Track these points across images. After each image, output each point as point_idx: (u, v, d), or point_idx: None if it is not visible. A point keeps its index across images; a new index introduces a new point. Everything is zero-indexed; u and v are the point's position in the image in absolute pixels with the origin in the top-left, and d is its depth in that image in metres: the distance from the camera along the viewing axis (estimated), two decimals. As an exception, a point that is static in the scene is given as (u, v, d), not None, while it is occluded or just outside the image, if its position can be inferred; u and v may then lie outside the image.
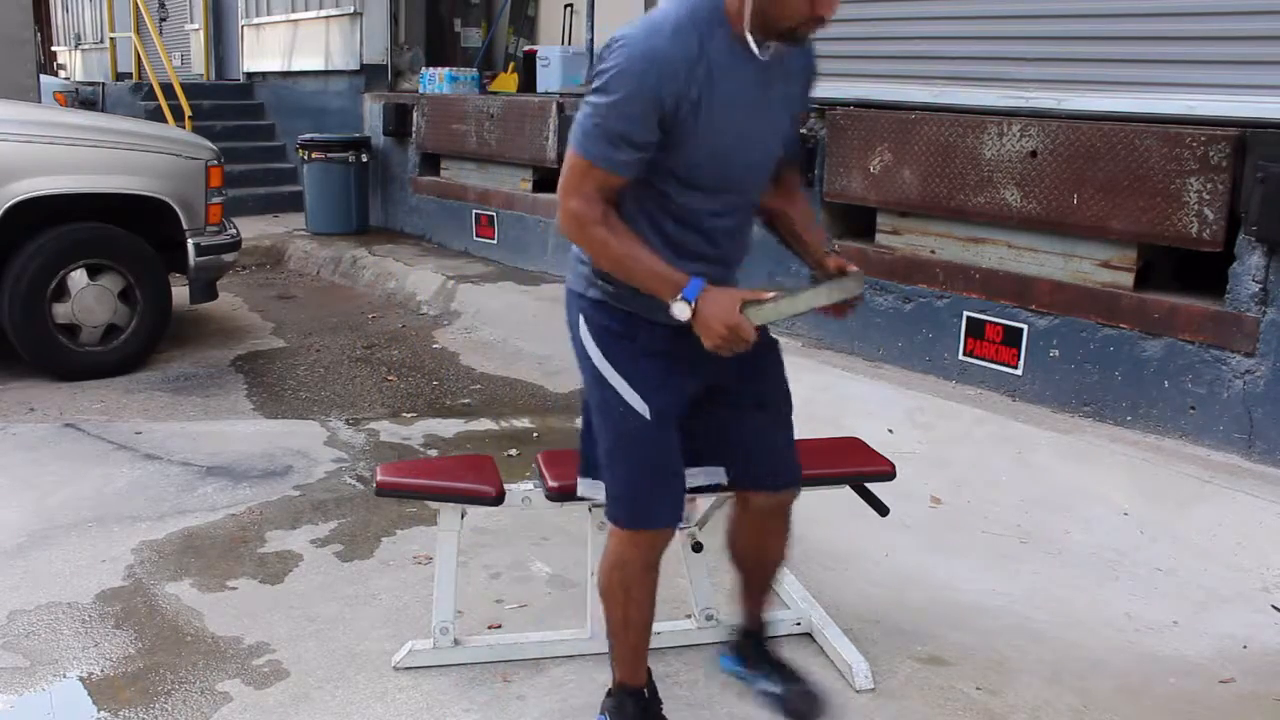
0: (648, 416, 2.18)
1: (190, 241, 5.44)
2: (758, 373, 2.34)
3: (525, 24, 10.54)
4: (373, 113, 9.01)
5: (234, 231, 5.79)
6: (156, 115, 9.40)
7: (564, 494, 2.67)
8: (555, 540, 3.47)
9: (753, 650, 2.67)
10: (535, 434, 4.62)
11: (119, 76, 12.45)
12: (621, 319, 2.19)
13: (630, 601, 2.31)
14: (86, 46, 15.19)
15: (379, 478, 2.69)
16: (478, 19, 10.67)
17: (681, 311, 2.00)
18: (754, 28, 1.95)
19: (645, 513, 2.24)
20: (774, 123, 2.11)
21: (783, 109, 2.13)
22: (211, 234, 5.56)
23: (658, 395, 2.17)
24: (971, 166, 4.47)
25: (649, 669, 2.46)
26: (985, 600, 3.18)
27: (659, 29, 1.94)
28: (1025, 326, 4.34)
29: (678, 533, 2.85)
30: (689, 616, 2.92)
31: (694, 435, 2.31)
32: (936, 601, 3.16)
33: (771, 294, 2.05)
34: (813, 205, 5.19)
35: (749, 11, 1.93)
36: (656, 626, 2.85)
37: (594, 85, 1.98)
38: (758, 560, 2.57)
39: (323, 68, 9.97)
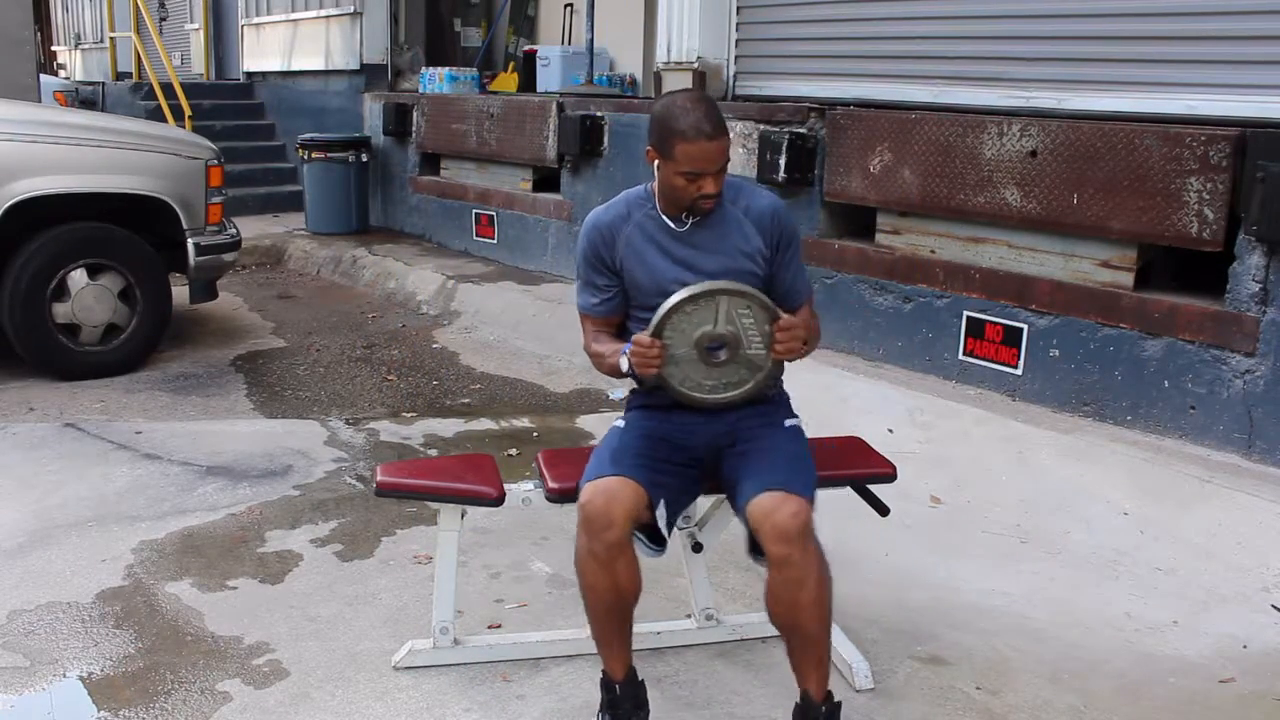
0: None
1: (190, 241, 5.44)
2: (750, 440, 2.55)
3: (525, 24, 10.55)
4: (373, 112, 9.01)
5: (234, 231, 5.79)
6: (156, 115, 9.40)
7: (564, 494, 2.67)
8: (555, 540, 3.47)
9: None
10: (535, 434, 4.62)
11: (119, 76, 12.45)
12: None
13: (586, 588, 2.40)
14: (86, 46, 15.19)
15: (379, 478, 2.69)
16: (478, 19, 10.68)
17: (624, 363, 2.48)
18: (664, 207, 2.56)
19: (588, 476, 2.41)
20: (705, 265, 2.53)
21: (730, 256, 2.55)
22: (211, 234, 5.56)
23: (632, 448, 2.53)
24: (971, 166, 4.47)
25: (625, 664, 2.45)
26: (985, 600, 3.18)
27: (605, 208, 2.63)
28: (1025, 326, 4.34)
29: (677, 532, 2.86)
30: (689, 616, 2.92)
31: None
32: (936, 601, 3.16)
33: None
34: (813, 205, 5.20)
35: (657, 197, 2.57)
36: (656, 627, 2.87)
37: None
38: (788, 617, 2.34)
39: (323, 67, 9.97)
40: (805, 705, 2.38)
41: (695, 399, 2.49)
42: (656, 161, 2.49)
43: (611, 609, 2.40)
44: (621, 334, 2.67)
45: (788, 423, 2.61)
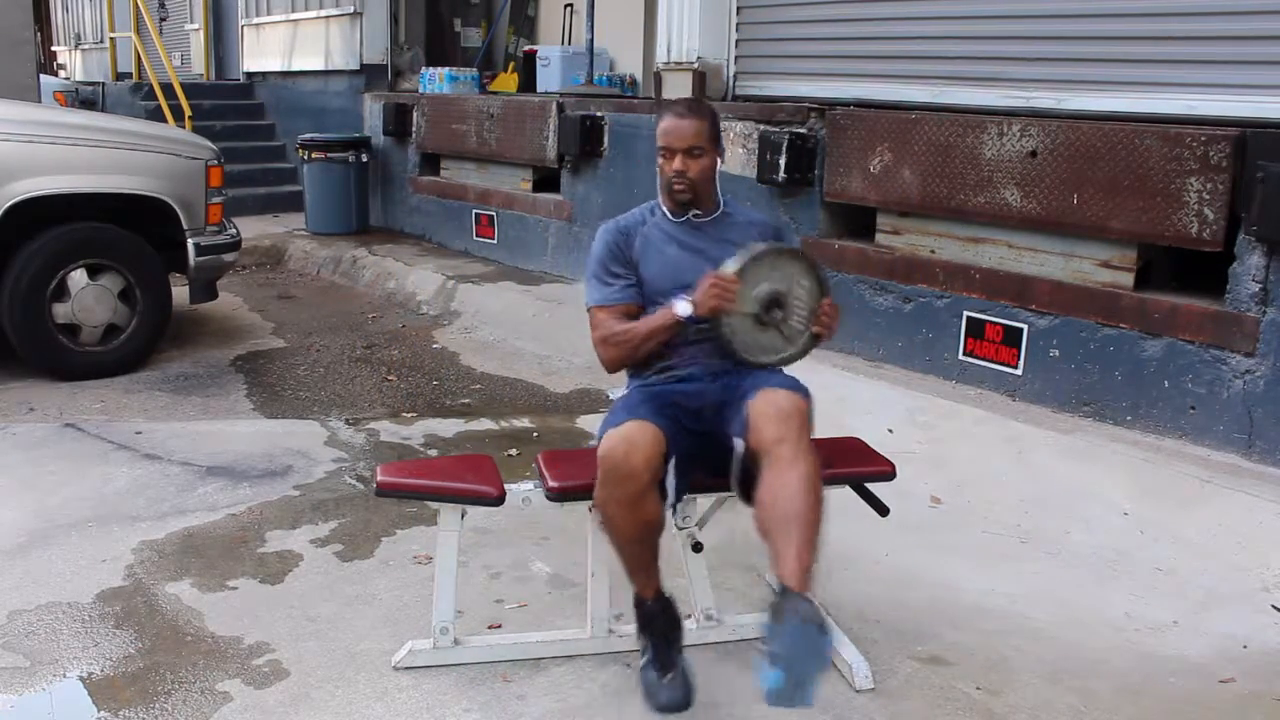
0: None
1: (190, 241, 5.44)
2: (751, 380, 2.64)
3: (525, 24, 10.55)
4: (373, 113, 9.01)
5: (234, 231, 5.79)
6: (156, 115, 9.40)
7: (564, 494, 2.67)
8: (555, 540, 3.47)
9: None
10: (535, 434, 4.62)
11: (119, 76, 12.45)
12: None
13: (611, 530, 2.49)
14: (86, 46, 15.19)
15: (379, 478, 2.69)
16: (478, 19, 10.68)
17: (684, 308, 2.58)
18: (664, 202, 2.81)
19: (606, 426, 2.50)
20: (713, 260, 2.68)
21: (728, 253, 2.68)
22: (211, 234, 5.56)
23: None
24: (971, 166, 4.47)
25: (656, 587, 2.58)
26: (985, 600, 3.18)
27: (621, 216, 2.86)
28: (1025, 326, 4.34)
29: (678, 532, 2.86)
30: (689, 616, 2.91)
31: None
32: (936, 601, 3.16)
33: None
34: (813, 205, 5.20)
35: (661, 196, 2.83)
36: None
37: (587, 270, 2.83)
38: (776, 499, 2.31)
39: (323, 68, 9.97)
40: (783, 591, 2.21)
41: (732, 347, 2.60)
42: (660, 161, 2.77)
43: (640, 540, 2.49)
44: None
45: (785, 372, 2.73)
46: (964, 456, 4.03)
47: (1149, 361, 3.97)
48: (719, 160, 2.79)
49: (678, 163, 2.70)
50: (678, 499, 2.55)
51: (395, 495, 2.74)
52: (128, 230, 5.28)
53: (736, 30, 5.95)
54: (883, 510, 2.89)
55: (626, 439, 2.41)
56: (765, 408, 2.43)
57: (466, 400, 5.10)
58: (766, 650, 2.12)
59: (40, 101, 8.02)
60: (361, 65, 9.48)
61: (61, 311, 5.09)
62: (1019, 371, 4.37)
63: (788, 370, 2.73)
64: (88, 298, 5.14)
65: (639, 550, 2.53)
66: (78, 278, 5.12)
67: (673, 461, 2.48)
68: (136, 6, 10.99)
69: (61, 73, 16.10)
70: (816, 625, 2.13)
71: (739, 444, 2.49)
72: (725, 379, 2.65)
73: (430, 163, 8.48)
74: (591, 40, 7.96)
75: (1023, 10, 4.57)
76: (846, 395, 4.48)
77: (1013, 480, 3.85)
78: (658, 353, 2.70)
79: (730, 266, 2.57)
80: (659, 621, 2.59)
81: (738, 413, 2.52)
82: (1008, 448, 4.00)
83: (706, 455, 2.59)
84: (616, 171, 6.47)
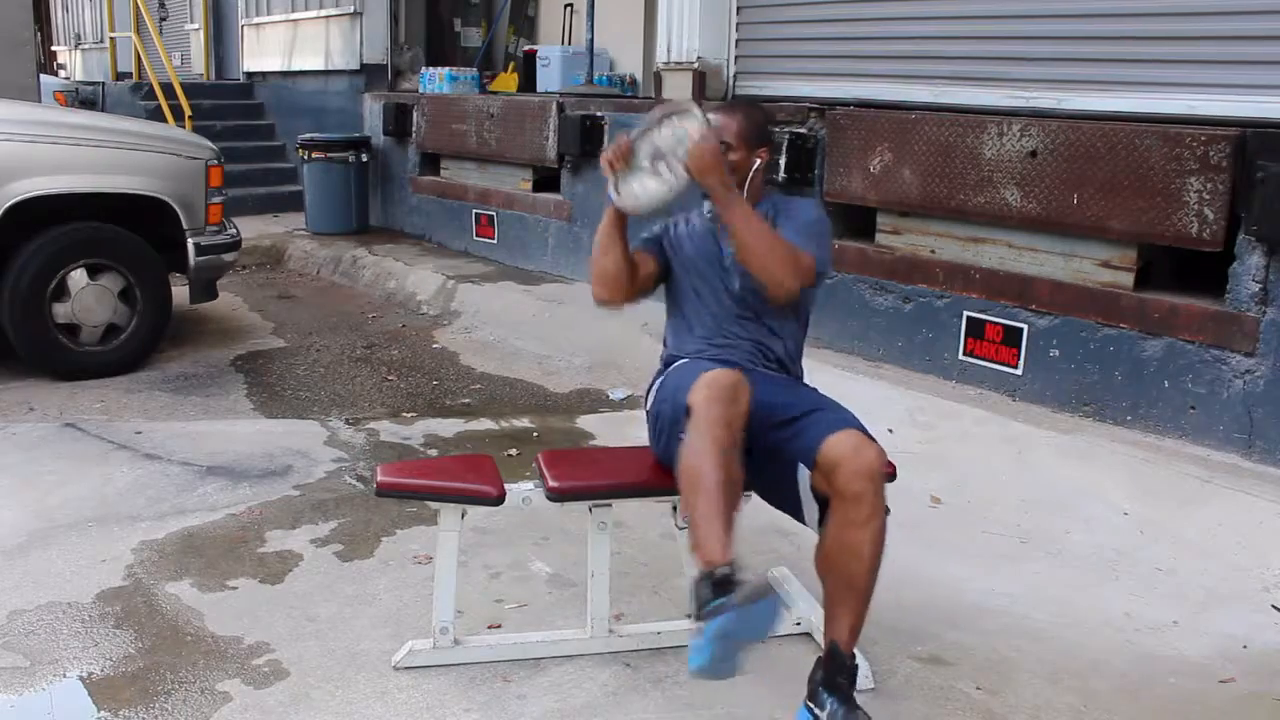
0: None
1: (190, 241, 5.44)
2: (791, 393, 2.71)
3: (525, 24, 10.55)
4: (373, 112, 9.01)
5: (234, 231, 5.79)
6: (156, 115, 9.40)
7: (564, 494, 2.67)
8: (555, 540, 3.47)
9: (821, 680, 2.43)
10: (535, 434, 4.62)
11: (119, 76, 12.45)
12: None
13: (701, 474, 2.31)
14: (86, 46, 15.19)
15: (379, 478, 2.69)
16: (478, 19, 10.67)
17: (609, 197, 2.75)
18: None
19: (689, 378, 2.49)
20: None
21: None
22: (211, 234, 5.56)
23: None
24: (971, 166, 4.47)
25: (724, 548, 2.25)
26: (985, 600, 3.18)
27: None
28: (1025, 326, 4.34)
29: (678, 532, 2.86)
30: (689, 616, 2.91)
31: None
32: (936, 601, 3.16)
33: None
34: (813, 205, 5.20)
35: None
36: (656, 627, 2.87)
37: None
38: (841, 559, 2.37)
39: (323, 67, 9.97)
40: (833, 656, 2.38)
41: (625, 192, 2.74)
42: None
43: (732, 479, 2.33)
44: (634, 273, 2.81)
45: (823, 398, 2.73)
46: (964, 456, 4.03)
47: (1149, 361, 3.97)
48: (758, 161, 2.77)
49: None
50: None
51: (395, 495, 2.75)
52: (128, 230, 5.27)
53: (736, 30, 5.95)
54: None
55: (716, 378, 2.39)
56: (850, 454, 2.37)
57: (466, 400, 5.10)
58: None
59: (40, 101, 8.02)
60: (361, 65, 9.48)
61: (61, 311, 5.09)
62: (1019, 371, 4.37)
63: (774, 320, 2.78)
64: (88, 297, 5.14)
65: (725, 501, 2.30)
66: (78, 277, 5.12)
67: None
68: (136, 6, 10.99)
69: (61, 73, 16.10)
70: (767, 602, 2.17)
71: (805, 473, 2.47)
72: (769, 373, 2.70)
73: (430, 162, 8.48)
74: (591, 40, 7.96)
75: (1023, 10, 4.57)
76: (846, 395, 4.45)
77: (1013, 480, 3.85)
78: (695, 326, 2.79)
79: (632, 133, 2.76)
80: (739, 582, 2.26)
81: (804, 435, 2.48)
82: (1008, 448, 4.00)
83: (752, 453, 2.50)
84: (616, 171, 6.46)
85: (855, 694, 2.60)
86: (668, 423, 2.62)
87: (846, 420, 2.52)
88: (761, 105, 3.21)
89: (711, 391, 2.37)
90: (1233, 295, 3.73)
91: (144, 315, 5.32)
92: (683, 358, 2.79)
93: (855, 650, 2.44)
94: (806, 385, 2.83)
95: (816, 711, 2.39)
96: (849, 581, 2.38)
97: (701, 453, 2.32)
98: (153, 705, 2.57)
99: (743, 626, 2.10)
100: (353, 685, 2.66)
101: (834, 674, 2.40)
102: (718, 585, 2.17)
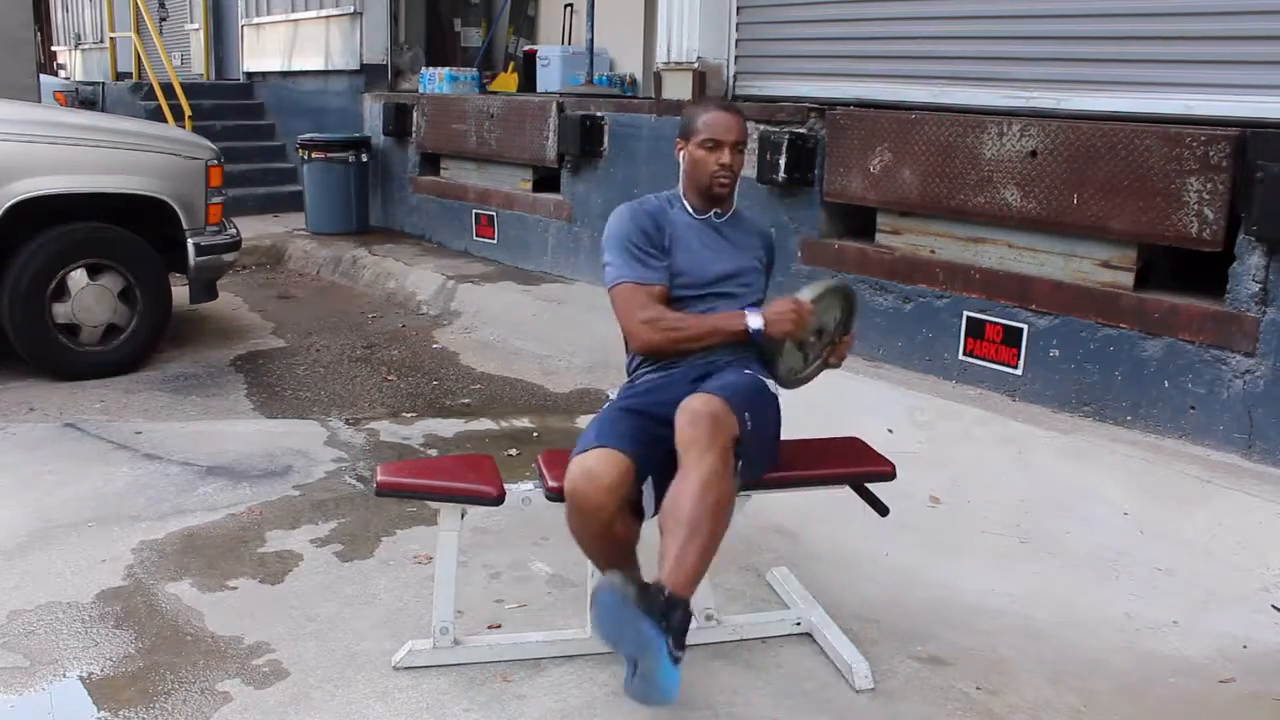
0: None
1: (190, 241, 5.44)
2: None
3: (525, 24, 10.55)
4: (373, 113, 9.01)
5: (234, 231, 5.79)
6: (156, 115, 9.40)
7: (563, 494, 2.66)
8: (555, 540, 3.46)
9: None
10: (535, 434, 4.62)
11: (119, 76, 12.45)
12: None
13: (583, 548, 2.54)
14: (86, 46, 15.19)
15: (379, 478, 2.69)
16: (478, 19, 10.68)
17: (756, 321, 2.65)
18: (690, 197, 2.82)
19: (575, 451, 2.51)
20: (731, 259, 2.81)
21: (752, 254, 2.87)
22: (211, 234, 5.56)
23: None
24: (971, 166, 4.47)
25: (611, 565, 2.45)
26: (985, 600, 3.18)
27: (640, 199, 2.85)
28: (1025, 326, 4.34)
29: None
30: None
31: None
32: (936, 601, 3.16)
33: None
34: (813, 205, 5.20)
35: (684, 191, 2.83)
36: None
37: (604, 254, 2.78)
38: (669, 506, 2.32)
39: (323, 68, 9.97)
40: (652, 590, 2.21)
41: (776, 365, 2.76)
42: (683, 150, 2.79)
43: (614, 555, 2.50)
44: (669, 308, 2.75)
45: (747, 371, 2.69)
46: (964, 456, 4.03)
47: (1149, 361, 3.97)
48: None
49: (726, 156, 2.71)
50: (656, 512, 2.44)
51: (395, 495, 2.74)
52: (128, 230, 5.28)
53: (736, 30, 5.95)
54: (882, 510, 2.89)
55: (587, 473, 2.38)
56: (681, 413, 2.41)
57: (466, 400, 5.10)
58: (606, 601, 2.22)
59: (40, 101, 8.02)
60: (361, 65, 9.48)
61: (61, 311, 5.09)
62: (1019, 371, 4.37)
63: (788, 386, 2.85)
64: (88, 298, 5.14)
65: (617, 564, 2.47)
66: (78, 278, 5.12)
67: (649, 480, 2.46)
68: (136, 6, 10.99)
69: (61, 73, 16.10)
70: (635, 605, 2.15)
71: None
72: (698, 383, 2.62)
73: (430, 163, 8.48)
74: (591, 40, 7.96)
75: (1023, 10, 4.57)
76: (846, 395, 4.47)
77: (1012, 480, 3.85)
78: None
79: (807, 295, 2.70)
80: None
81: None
82: (1008, 448, 4.00)
83: None
84: (616, 171, 6.47)
85: (855, 693, 2.61)
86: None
87: (704, 387, 2.52)
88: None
89: (573, 502, 2.42)
90: (1233, 295, 3.73)
91: (144, 315, 5.32)
92: (646, 370, 2.78)
93: (689, 596, 2.25)
94: (752, 374, 2.71)
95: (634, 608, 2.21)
96: (674, 521, 2.26)
97: (579, 537, 2.50)
98: (153, 705, 2.57)
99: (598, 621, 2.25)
100: (353, 685, 2.66)
101: (649, 607, 2.19)
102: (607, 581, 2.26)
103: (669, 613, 2.19)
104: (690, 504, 2.27)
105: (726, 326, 2.66)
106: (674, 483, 2.35)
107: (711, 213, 2.82)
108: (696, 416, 2.37)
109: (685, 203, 2.83)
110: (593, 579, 2.75)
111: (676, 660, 2.18)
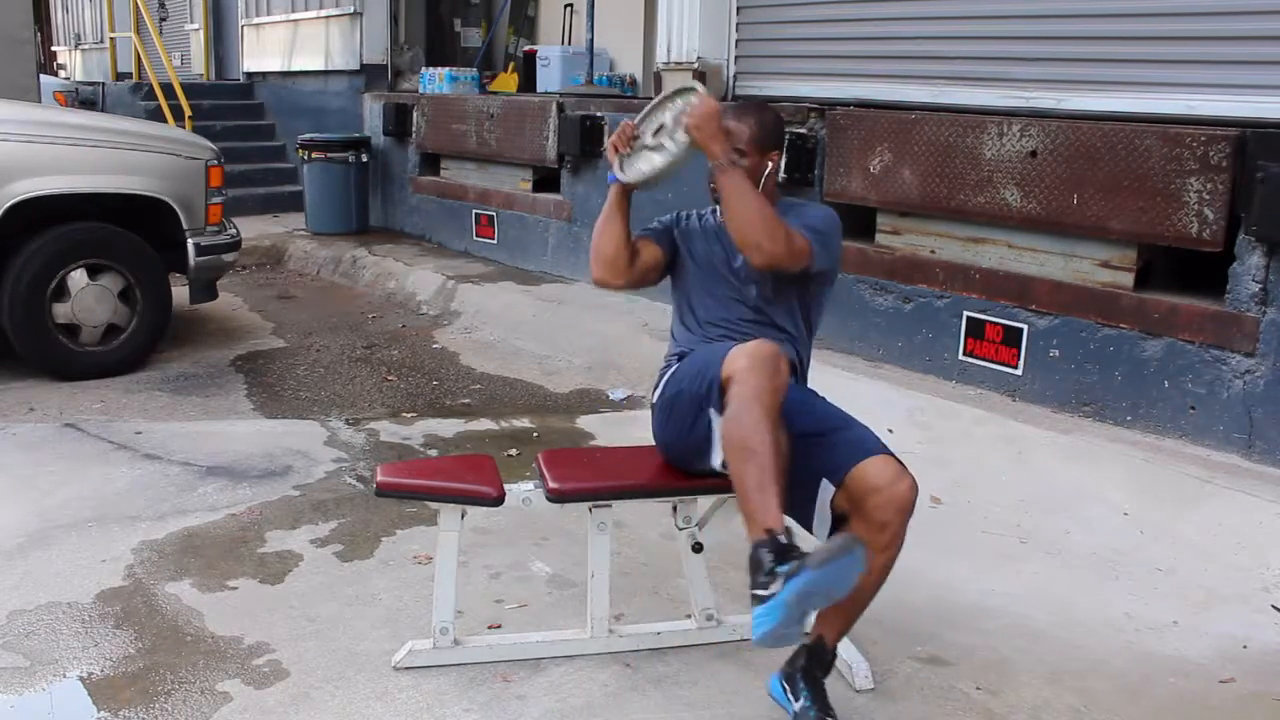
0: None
1: (190, 241, 5.44)
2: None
3: (525, 24, 10.55)
4: (373, 113, 9.01)
5: (234, 231, 5.79)
6: (156, 115, 9.40)
7: (564, 495, 2.67)
8: (555, 540, 3.47)
9: (801, 669, 2.49)
10: (535, 434, 4.62)
11: (119, 76, 12.45)
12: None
13: (753, 448, 2.28)
14: (86, 46, 15.19)
15: (379, 478, 2.69)
16: (478, 19, 10.68)
17: (612, 174, 2.80)
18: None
19: (719, 355, 2.46)
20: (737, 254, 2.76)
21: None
22: (211, 234, 5.56)
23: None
24: (971, 166, 4.47)
25: (778, 516, 2.24)
26: (985, 600, 3.18)
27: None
28: (1025, 326, 4.34)
29: (679, 533, 2.86)
30: (689, 616, 2.92)
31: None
32: (936, 601, 3.16)
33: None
34: (813, 205, 5.20)
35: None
36: (656, 627, 2.88)
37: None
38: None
39: (323, 68, 9.97)
40: (817, 650, 2.48)
41: (630, 169, 2.78)
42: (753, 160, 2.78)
43: (778, 449, 2.31)
44: (634, 257, 2.81)
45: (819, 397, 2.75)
46: (964, 456, 4.03)
47: (1149, 361, 3.97)
48: (769, 164, 2.74)
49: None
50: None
51: (395, 495, 2.74)
52: (128, 230, 5.28)
53: (736, 30, 5.95)
54: (883, 510, 2.89)
55: (766, 343, 2.41)
56: (887, 484, 2.36)
57: (466, 400, 5.10)
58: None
59: (40, 101, 8.01)
60: (361, 65, 9.48)
61: (61, 311, 5.09)
62: (1019, 371, 4.37)
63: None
64: (88, 298, 5.14)
65: (777, 475, 2.28)
66: (78, 278, 5.12)
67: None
68: (136, 6, 10.99)
69: (61, 73, 16.10)
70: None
71: (828, 488, 2.45)
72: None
73: (430, 163, 8.48)
74: (591, 40, 7.96)
75: (1023, 10, 4.57)
76: (846, 395, 4.45)
77: (1012, 480, 3.85)
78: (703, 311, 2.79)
79: (636, 117, 2.81)
80: (794, 550, 2.23)
81: (835, 452, 2.45)
82: (1008, 448, 4.00)
83: None
84: (616, 171, 6.46)
85: (855, 693, 2.62)
86: (690, 403, 2.55)
87: (879, 445, 2.48)
88: (772, 107, 3.16)
89: (753, 361, 2.34)
90: (1233, 295, 3.73)
91: (144, 315, 5.33)
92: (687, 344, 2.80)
93: (838, 646, 2.55)
94: (819, 395, 2.77)
95: (789, 695, 2.47)
96: (854, 595, 2.32)
97: (749, 422, 2.28)
98: (153, 705, 2.57)
99: (825, 582, 2.12)
100: (353, 685, 2.66)
101: (813, 666, 2.47)
102: (780, 551, 2.16)
103: (829, 667, 2.53)
104: (871, 586, 2.43)
105: (610, 200, 2.79)
106: (870, 554, 2.30)
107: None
108: (905, 504, 2.38)
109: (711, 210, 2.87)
110: (593, 580, 2.74)
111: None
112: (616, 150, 2.77)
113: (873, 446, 2.46)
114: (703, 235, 2.85)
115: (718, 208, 2.75)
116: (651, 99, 2.96)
